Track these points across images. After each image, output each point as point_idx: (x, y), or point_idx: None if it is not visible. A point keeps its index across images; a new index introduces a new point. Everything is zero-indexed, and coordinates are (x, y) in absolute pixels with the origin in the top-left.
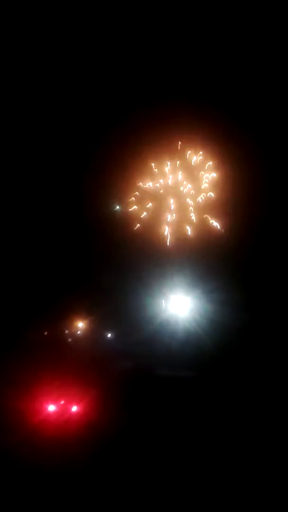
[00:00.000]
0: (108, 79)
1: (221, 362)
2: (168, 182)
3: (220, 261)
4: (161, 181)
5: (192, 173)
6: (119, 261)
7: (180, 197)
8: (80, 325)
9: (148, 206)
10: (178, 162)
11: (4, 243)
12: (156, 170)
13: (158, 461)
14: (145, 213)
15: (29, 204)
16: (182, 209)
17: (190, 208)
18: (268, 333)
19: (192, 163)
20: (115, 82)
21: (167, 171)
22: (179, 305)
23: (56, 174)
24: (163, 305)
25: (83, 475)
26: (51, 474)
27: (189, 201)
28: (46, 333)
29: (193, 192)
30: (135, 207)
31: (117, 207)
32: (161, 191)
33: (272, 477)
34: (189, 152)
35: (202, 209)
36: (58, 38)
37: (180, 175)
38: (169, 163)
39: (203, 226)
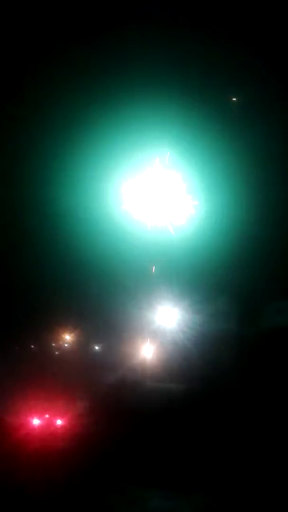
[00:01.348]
0: None
1: (209, 374)
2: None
3: (207, 272)
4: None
5: None
6: (107, 273)
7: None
8: (67, 337)
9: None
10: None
11: None
12: None
13: (144, 473)
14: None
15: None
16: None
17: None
18: (256, 344)
19: None
20: None
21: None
22: (166, 317)
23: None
24: (151, 317)
25: (68, 488)
26: (34, 488)
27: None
28: (32, 346)
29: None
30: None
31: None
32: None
33: (263, 484)
34: None
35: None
36: None
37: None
38: None
39: (190, 237)
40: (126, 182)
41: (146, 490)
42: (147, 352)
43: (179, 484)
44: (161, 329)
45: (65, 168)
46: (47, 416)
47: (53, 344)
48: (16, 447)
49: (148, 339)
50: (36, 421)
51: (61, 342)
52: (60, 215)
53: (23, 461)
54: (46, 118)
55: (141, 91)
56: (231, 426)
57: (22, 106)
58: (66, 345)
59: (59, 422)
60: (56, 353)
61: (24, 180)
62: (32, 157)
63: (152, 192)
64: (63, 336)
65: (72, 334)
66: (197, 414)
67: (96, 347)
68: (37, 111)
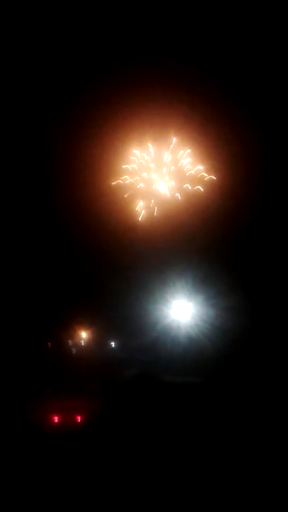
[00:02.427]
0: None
1: (224, 368)
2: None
3: (222, 266)
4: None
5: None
6: (121, 268)
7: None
8: (83, 335)
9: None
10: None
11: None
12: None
13: (160, 467)
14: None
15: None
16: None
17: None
18: (271, 339)
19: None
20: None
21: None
22: (181, 311)
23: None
24: (165, 311)
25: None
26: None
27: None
28: (49, 344)
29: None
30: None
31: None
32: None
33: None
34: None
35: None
36: None
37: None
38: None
39: (205, 231)
40: None
41: None
42: (163, 346)
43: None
44: (176, 323)
45: None
46: (66, 412)
47: (70, 342)
48: (35, 445)
49: (163, 331)
50: (55, 418)
51: (77, 339)
52: None
53: (42, 459)
54: None
55: None
56: (245, 419)
57: None
58: (82, 342)
59: (79, 418)
60: (73, 350)
61: None
62: None
63: None
64: (79, 333)
65: (88, 331)
66: (212, 407)
67: (112, 344)
68: None
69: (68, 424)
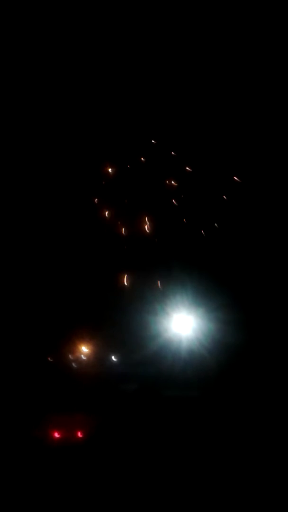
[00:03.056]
0: None
1: (225, 382)
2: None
3: (223, 279)
4: None
5: None
6: (120, 281)
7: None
8: (84, 349)
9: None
10: None
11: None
12: None
13: (161, 480)
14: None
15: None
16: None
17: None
18: (273, 353)
19: None
20: None
21: None
22: (182, 324)
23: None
24: (166, 324)
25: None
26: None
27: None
28: (50, 359)
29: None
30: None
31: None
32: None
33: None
34: None
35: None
36: None
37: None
38: None
39: (204, 243)
40: None
41: None
42: (164, 360)
43: None
44: (177, 336)
45: None
46: (66, 429)
47: (70, 356)
48: (35, 461)
49: (164, 344)
50: (55, 434)
51: (77, 354)
52: None
53: (40, 476)
54: None
55: None
56: (246, 433)
57: None
58: (82, 356)
59: (79, 434)
60: (74, 365)
61: None
62: None
63: None
64: (79, 347)
65: (89, 345)
66: (212, 421)
67: (113, 358)
68: None
69: (68, 440)
